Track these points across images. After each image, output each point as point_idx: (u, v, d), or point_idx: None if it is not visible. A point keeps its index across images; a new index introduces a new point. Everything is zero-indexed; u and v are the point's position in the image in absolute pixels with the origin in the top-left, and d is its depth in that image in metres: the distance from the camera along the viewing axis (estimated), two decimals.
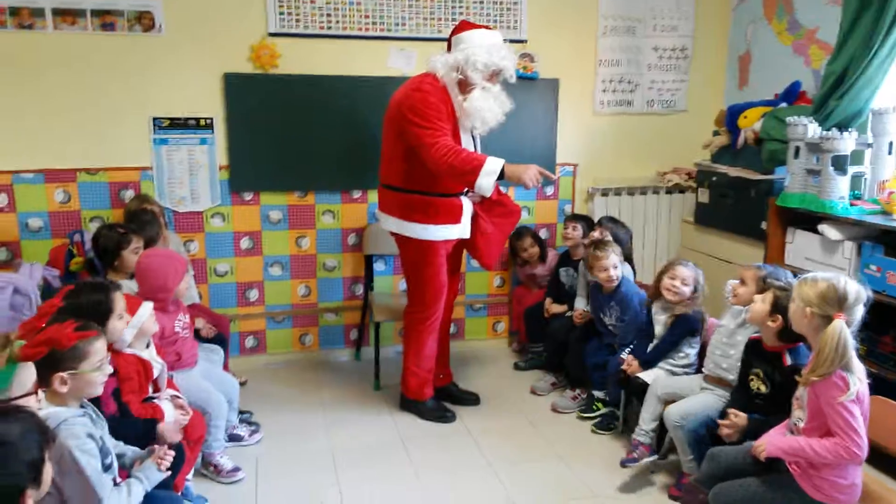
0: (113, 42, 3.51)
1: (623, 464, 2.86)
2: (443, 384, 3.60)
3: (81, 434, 1.84)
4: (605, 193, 4.27)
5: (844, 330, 2.02)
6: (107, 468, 1.86)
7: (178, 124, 3.66)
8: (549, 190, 4.26)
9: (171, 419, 2.40)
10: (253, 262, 3.93)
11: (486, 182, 2.92)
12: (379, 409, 3.53)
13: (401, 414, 3.47)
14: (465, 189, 3.19)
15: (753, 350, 2.55)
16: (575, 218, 3.89)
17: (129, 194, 3.66)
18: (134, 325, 2.27)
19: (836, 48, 3.19)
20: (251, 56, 3.68)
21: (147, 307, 2.35)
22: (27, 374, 1.57)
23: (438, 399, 3.50)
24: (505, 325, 4.42)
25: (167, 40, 3.57)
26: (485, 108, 3.02)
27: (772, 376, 2.45)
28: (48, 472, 1.38)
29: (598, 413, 3.39)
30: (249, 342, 4.02)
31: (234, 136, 3.73)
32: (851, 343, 2.03)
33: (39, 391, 1.64)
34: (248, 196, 3.85)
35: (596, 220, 3.83)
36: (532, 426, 3.37)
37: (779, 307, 2.40)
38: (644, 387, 2.94)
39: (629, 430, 3.23)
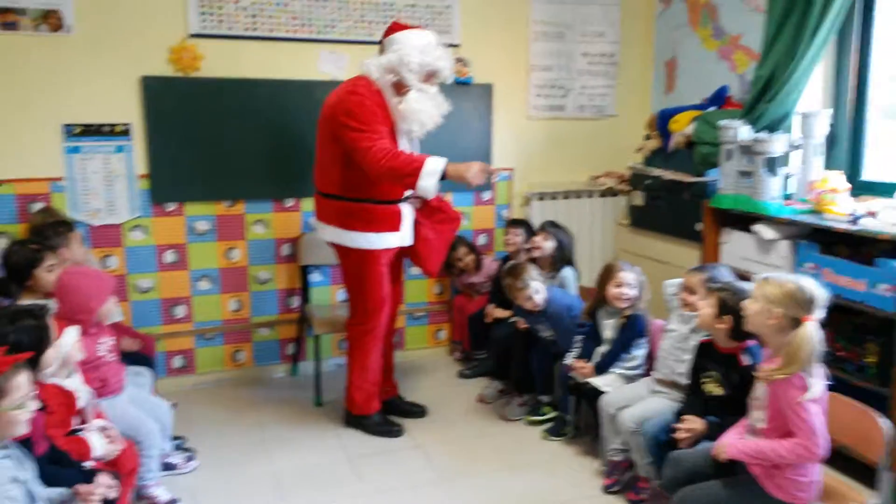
0: (15, 42, 3.22)
1: (608, 489, 2.82)
2: (388, 397, 3.48)
3: (3, 480, 1.63)
4: (541, 197, 4.27)
5: (817, 332, 2.04)
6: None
7: (91, 131, 3.39)
8: (487, 195, 4.22)
9: (101, 453, 2.20)
10: (178, 277, 3.69)
11: (427, 183, 2.84)
12: (322, 427, 3.38)
13: (346, 431, 3.33)
14: (405, 195, 3.11)
15: (705, 353, 2.56)
16: (515, 223, 3.87)
17: (38, 207, 3.35)
18: (58, 353, 2.05)
19: (764, 54, 3.29)
20: (171, 58, 3.46)
21: (72, 333, 2.13)
22: None
23: (384, 413, 3.38)
24: (447, 333, 4.34)
25: (77, 41, 3.30)
26: (421, 110, 2.95)
27: (728, 378, 2.47)
28: None
29: (546, 417, 3.36)
30: (177, 362, 3.77)
31: (154, 143, 3.49)
32: (820, 345, 2.05)
33: None
34: (171, 206, 3.61)
35: (535, 225, 3.81)
36: (482, 436, 3.30)
37: (725, 308, 2.43)
38: (596, 393, 2.93)
39: (581, 436, 3.24)
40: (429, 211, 3.25)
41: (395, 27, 3.01)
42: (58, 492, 1.89)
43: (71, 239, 2.91)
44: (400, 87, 2.96)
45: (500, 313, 3.76)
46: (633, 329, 3.00)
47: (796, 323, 2.06)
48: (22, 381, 1.72)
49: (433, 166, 2.83)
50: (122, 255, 3.54)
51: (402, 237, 3.15)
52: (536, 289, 3.24)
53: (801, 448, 2.02)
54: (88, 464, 2.07)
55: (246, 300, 3.85)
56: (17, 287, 2.65)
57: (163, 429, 2.71)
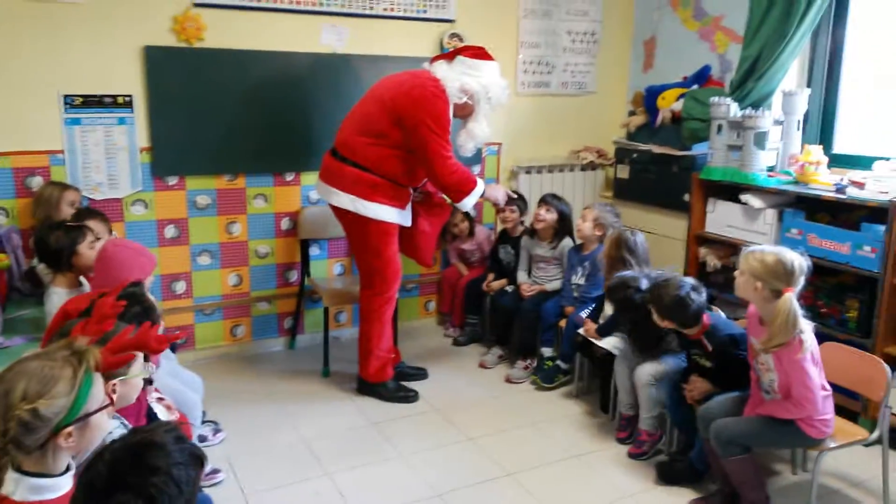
0: (14, 8, 3.07)
1: (623, 441, 3.02)
2: (393, 364, 3.58)
3: None
4: (528, 171, 4.42)
5: (794, 303, 2.26)
6: None
7: (92, 102, 3.28)
8: (477, 168, 4.33)
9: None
10: (179, 252, 3.64)
11: (470, 202, 3.23)
12: (336, 396, 3.45)
13: (360, 398, 3.41)
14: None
15: (682, 337, 2.77)
16: (511, 200, 3.99)
17: (36, 181, 3.24)
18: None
19: (750, 35, 3.53)
20: (174, 28, 3.38)
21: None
22: (99, 385, 1.39)
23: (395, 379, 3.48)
24: (436, 304, 4.46)
25: (80, 8, 3.18)
26: (483, 137, 3.25)
27: (707, 356, 2.68)
28: None
29: (558, 382, 3.55)
30: None
31: (156, 115, 3.41)
32: (800, 312, 2.25)
33: (111, 406, 1.45)
34: (172, 181, 3.55)
35: (536, 197, 3.95)
36: (494, 398, 3.46)
37: (662, 313, 2.62)
38: (608, 356, 3.12)
39: (584, 392, 3.45)
40: (429, 204, 3.45)
41: (481, 53, 3.16)
42: None
43: (98, 229, 2.84)
44: (463, 108, 3.15)
45: (499, 284, 3.90)
46: None
47: (778, 294, 2.27)
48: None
49: (480, 189, 3.23)
50: (122, 230, 3.46)
51: (407, 217, 3.30)
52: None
53: (796, 408, 2.29)
54: None
55: (245, 275, 3.84)
56: (58, 269, 2.58)
57: (199, 400, 2.72)
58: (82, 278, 2.70)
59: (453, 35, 4.03)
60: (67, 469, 1.38)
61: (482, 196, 3.29)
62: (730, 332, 2.65)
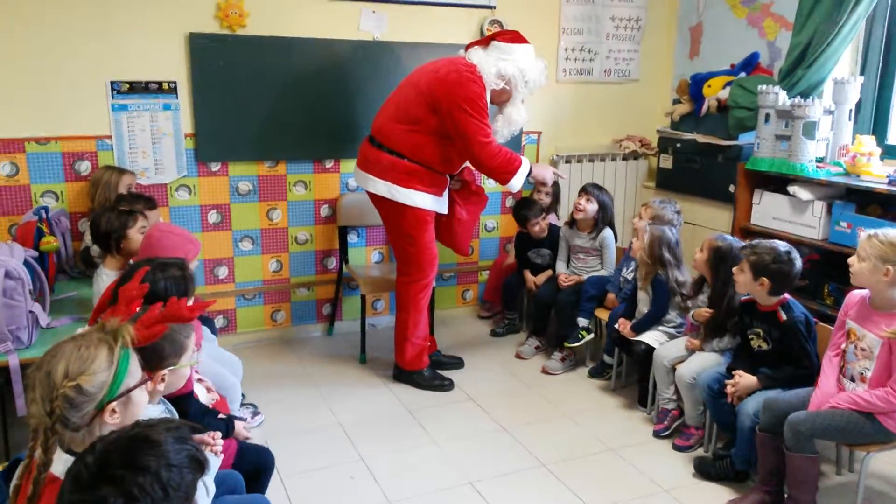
0: None
1: (658, 434, 2.99)
2: (429, 352, 3.58)
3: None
4: (568, 160, 4.37)
5: None
6: None
7: (138, 89, 3.36)
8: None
9: (205, 402, 2.26)
10: (222, 237, 3.70)
11: (519, 182, 3.17)
12: (372, 382, 3.48)
13: (396, 385, 3.44)
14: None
15: (748, 311, 2.71)
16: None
17: (84, 166, 3.33)
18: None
19: (801, 21, 3.42)
20: (218, 14, 3.42)
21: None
22: (135, 361, 1.42)
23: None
24: (473, 294, 4.45)
25: None
26: (520, 122, 3.22)
27: (770, 333, 2.63)
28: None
29: (584, 340, 3.55)
30: (219, 322, 3.80)
31: (199, 101, 3.47)
32: None
33: (149, 381, 1.48)
34: (215, 167, 3.61)
35: (577, 187, 3.90)
36: (529, 388, 3.44)
37: (759, 270, 2.56)
38: (648, 350, 3.08)
39: (622, 386, 3.41)
40: (466, 193, 3.44)
41: (515, 36, 3.15)
42: None
43: (150, 217, 2.90)
44: (498, 94, 3.13)
45: (540, 279, 3.86)
46: (660, 293, 3.12)
47: None
48: (193, 337, 1.77)
49: (526, 168, 3.17)
50: (166, 215, 3.53)
51: (444, 204, 3.30)
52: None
53: (894, 397, 2.19)
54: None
55: (285, 261, 3.89)
56: (108, 252, 2.65)
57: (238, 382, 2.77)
58: (132, 261, 2.77)
59: (493, 21, 3.99)
60: None
61: (529, 175, 3.26)
62: (805, 311, 2.61)
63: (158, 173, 3.47)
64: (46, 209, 2.97)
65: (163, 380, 1.72)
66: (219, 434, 1.95)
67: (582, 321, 3.57)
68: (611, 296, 3.56)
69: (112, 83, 3.31)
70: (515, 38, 3.13)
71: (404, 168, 3.09)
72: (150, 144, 3.43)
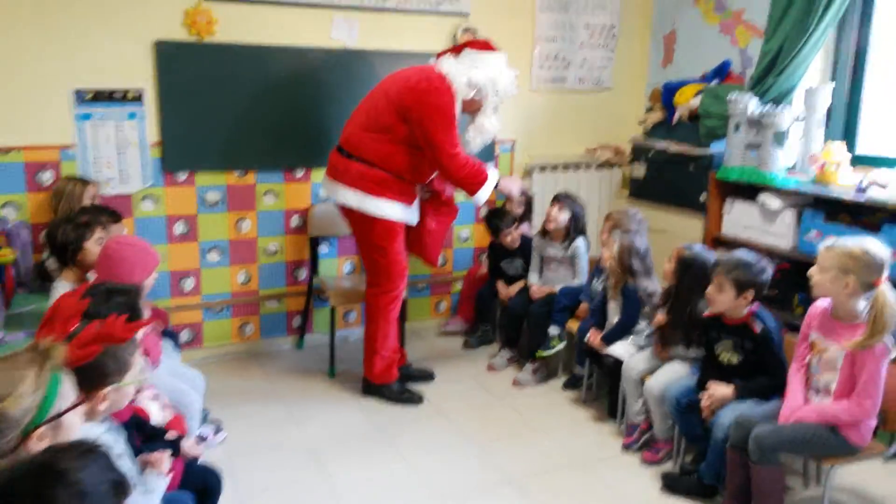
0: (29, 2, 3.08)
1: (627, 447, 2.96)
2: (399, 365, 3.53)
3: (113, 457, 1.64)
4: (542, 169, 4.34)
5: (892, 295, 2.15)
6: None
7: (103, 97, 3.29)
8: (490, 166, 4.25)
9: (158, 420, 2.21)
10: (188, 249, 3.64)
11: (485, 194, 3.15)
12: (340, 396, 3.42)
13: (365, 399, 3.38)
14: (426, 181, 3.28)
15: (714, 325, 2.66)
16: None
17: (47, 176, 3.26)
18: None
19: (771, 29, 3.41)
20: (186, 22, 3.37)
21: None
22: (68, 384, 1.36)
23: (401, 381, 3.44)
24: (447, 304, 4.41)
25: (91, 3, 3.19)
26: (490, 131, 3.20)
27: (742, 345, 2.59)
28: None
29: (556, 349, 3.49)
30: (185, 335, 3.72)
31: (166, 109, 3.41)
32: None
33: (82, 403, 1.42)
34: (182, 176, 3.55)
35: (550, 196, 3.86)
36: (500, 401, 3.40)
37: (744, 285, 2.52)
38: (616, 362, 3.04)
39: (594, 399, 3.38)
40: (436, 203, 3.40)
41: (485, 45, 3.14)
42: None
43: (112, 230, 2.83)
44: (471, 103, 3.11)
45: (513, 290, 3.83)
46: (629, 302, 3.10)
47: (868, 287, 2.17)
48: (139, 356, 1.72)
49: (494, 180, 3.17)
50: (132, 226, 3.47)
51: (414, 214, 3.26)
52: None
53: (857, 409, 2.19)
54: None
55: (254, 272, 3.83)
56: (64, 264, 2.58)
57: (199, 398, 2.71)
58: (90, 274, 2.71)
59: (467, 29, 3.96)
60: None
61: (496, 188, 3.24)
62: (775, 320, 2.59)
63: (123, 183, 3.41)
64: (5, 221, 2.90)
65: (105, 398, 1.66)
66: (167, 453, 1.90)
67: (554, 330, 3.52)
68: (584, 305, 3.53)
69: (76, 91, 3.24)
70: (487, 46, 3.11)
71: (374, 177, 3.05)
72: (116, 154, 3.37)
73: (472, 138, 3.18)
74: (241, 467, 2.76)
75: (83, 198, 3.11)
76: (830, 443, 2.27)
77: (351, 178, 3.08)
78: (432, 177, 3.23)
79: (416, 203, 3.24)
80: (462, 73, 3.01)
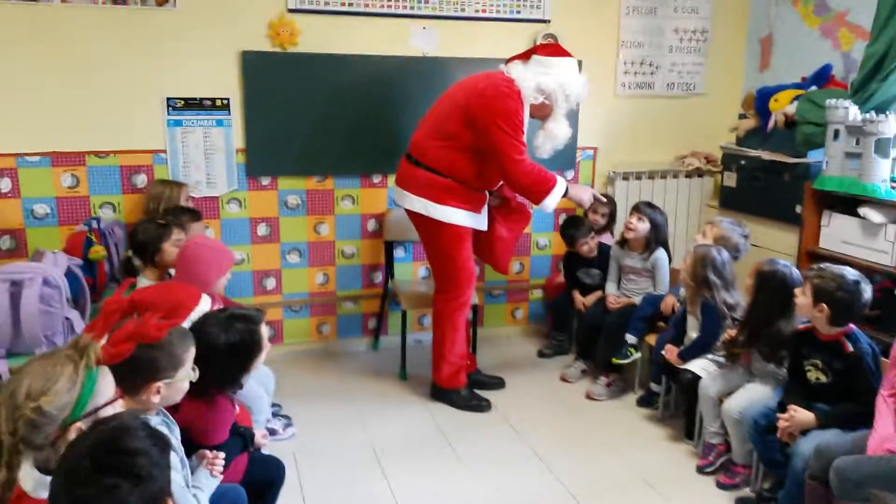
0: (124, 16, 3.30)
1: (701, 470, 2.81)
2: (469, 371, 3.51)
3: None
4: (625, 177, 4.21)
5: None
6: (186, 483, 1.73)
7: (192, 105, 3.47)
8: (570, 174, 4.17)
9: None
10: (270, 250, 3.77)
11: (552, 202, 3.07)
12: (409, 400, 3.43)
13: (433, 404, 3.38)
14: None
15: (806, 340, 2.52)
16: (599, 202, 3.78)
17: (140, 179, 3.47)
18: (193, 319, 2.12)
19: (877, 30, 3.16)
20: (270, 33, 3.50)
21: (207, 300, 2.20)
22: (107, 380, 1.41)
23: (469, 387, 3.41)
24: (524, 312, 4.34)
25: (181, 15, 3.37)
26: (561, 137, 3.11)
27: (830, 365, 2.42)
28: None
29: (632, 358, 3.36)
30: (266, 332, 3.85)
31: (251, 117, 3.56)
32: None
33: (120, 399, 1.49)
34: (265, 181, 3.68)
35: (630, 204, 3.75)
36: (571, 414, 3.31)
37: (821, 295, 2.38)
38: (694, 379, 2.89)
39: (671, 418, 3.22)
40: (507, 210, 3.35)
41: (556, 50, 3.10)
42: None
43: (193, 228, 2.98)
44: (538, 108, 3.05)
45: (589, 300, 3.73)
46: (708, 318, 2.94)
47: None
48: (193, 351, 1.79)
49: (561, 188, 3.06)
50: (217, 228, 3.63)
51: (482, 221, 3.23)
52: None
53: None
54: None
55: (332, 274, 3.92)
56: (144, 262, 2.74)
57: (267, 395, 2.79)
58: (171, 271, 2.85)
59: (548, 35, 3.90)
60: None
61: (566, 196, 3.15)
62: (870, 342, 2.42)
63: (210, 187, 3.57)
64: (98, 220, 3.11)
65: (158, 392, 1.73)
66: (222, 455, 1.94)
67: (631, 338, 3.38)
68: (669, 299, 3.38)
69: (168, 99, 3.43)
70: (556, 51, 3.06)
71: (440, 184, 3.05)
72: (203, 159, 3.54)
73: (542, 144, 3.11)
74: (305, 462, 2.82)
75: (179, 201, 3.29)
76: None
77: (418, 186, 3.10)
78: (500, 183, 3.19)
79: (484, 210, 3.21)
80: (530, 79, 2.96)
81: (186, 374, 1.77)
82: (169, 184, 3.37)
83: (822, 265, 2.51)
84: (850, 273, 2.41)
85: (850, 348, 2.38)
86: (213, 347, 1.95)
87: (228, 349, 2.00)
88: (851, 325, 2.43)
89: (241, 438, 2.17)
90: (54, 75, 3.25)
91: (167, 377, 1.72)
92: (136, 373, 1.64)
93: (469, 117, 2.96)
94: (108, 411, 1.39)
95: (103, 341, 1.50)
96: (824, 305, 2.38)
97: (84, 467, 1.17)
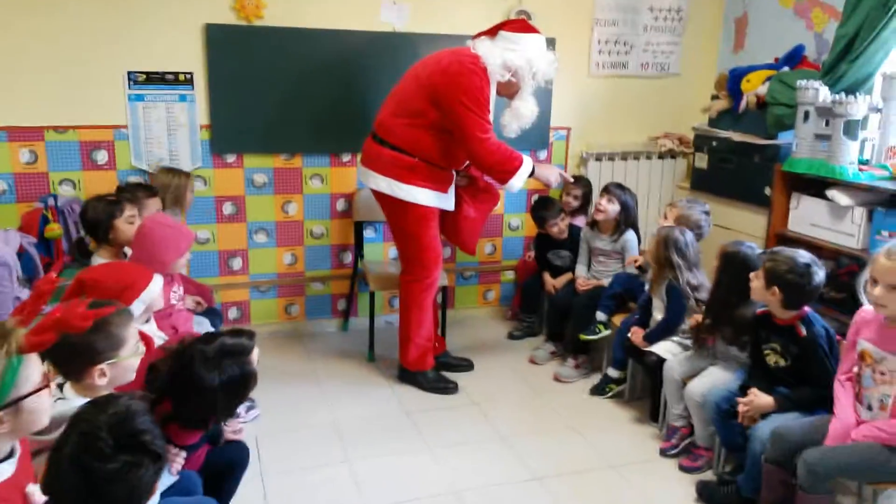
0: None
1: (664, 452, 2.81)
2: (437, 353, 3.48)
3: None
4: (598, 158, 4.18)
5: None
6: None
7: (155, 79, 3.38)
8: (543, 154, 4.14)
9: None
10: (236, 229, 3.70)
11: (518, 182, 3.02)
12: (376, 381, 3.40)
13: (400, 386, 3.35)
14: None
15: (764, 324, 2.51)
16: (574, 182, 3.77)
17: (101, 154, 3.38)
18: (143, 299, 2.07)
19: (848, 10, 3.13)
20: (235, 5, 3.40)
21: (159, 281, 2.14)
22: (33, 367, 1.34)
23: (437, 369, 3.39)
24: (496, 294, 4.32)
25: None
26: (528, 116, 3.05)
27: (787, 349, 2.43)
28: None
29: (601, 335, 3.34)
30: (233, 313, 3.81)
31: (215, 92, 3.47)
32: None
33: (53, 384, 1.43)
34: (230, 158, 3.60)
35: (602, 185, 3.71)
36: (537, 396, 3.30)
37: (773, 278, 2.37)
38: (659, 361, 2.89)
39: (635, 399, 3.22)
40: (474, 190, 3.30)
41: (523, 26, 3.03)
42: None
43: (148, 204, 2.90)
44: (505, 86, 2.99)
45: (559, 282, 3.70)
46: (673, 300, 2.93)
47: None
48: (133, 328, 1.74)
49: (527, 168, 3.01)
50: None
51: (449, 201, 3.18)
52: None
53: None
54: None
55: (300, 254, 3.86)
56: (98, 241, 2.66)
57: None
58: (127, 249, 2.78)
59: (520, 12, 3.83)
60: (11, 454, 1.35)
61: (532, 176, 3.09)
62: (826, 325, 2.41)
63: (173, 164, 3.48)
64: (56, 197, 3.03)
65: (104, 374, 1.68)
66: (182, 455, 1.88)
67: (601, 315, 3.36)
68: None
69: (129, 73, 3.34)
70: (524, 27, 2.99)
71: (405, 163, 3.00)
72: (166, 135, 3.45)
73: (509, 122, 3.05)
74: (267, 444, 2.79)
75: (187, 191, 3.27)
76: (892, 465, 2.06)
77: (383, 165, 3.04)
78: (467, 163, 3.14)
79: (451, 189, 3.16)
80: (497, 56, 2.90)
81: (131, 352, 1.72)
82: (176, 173, 3.30)
83: (775, 249, 2.50)
84: (802, 256, 2.39)
85: (804, 332, 2.38)
86: (207, 390, 1.82)
87: (222, 388, 1.89)
88: (806, 309, 2.42)
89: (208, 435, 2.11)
90: (11, 47, 3.14)
91: (109, 358, 1.66)
92: (72, 357, 1.59)
93: (434, 95, 2.90)
94: (33, 400, 1.33)
95: (32, 325, 1.43)
96: (776, 288, 2.37)
97: (107, 444, 1.30)
